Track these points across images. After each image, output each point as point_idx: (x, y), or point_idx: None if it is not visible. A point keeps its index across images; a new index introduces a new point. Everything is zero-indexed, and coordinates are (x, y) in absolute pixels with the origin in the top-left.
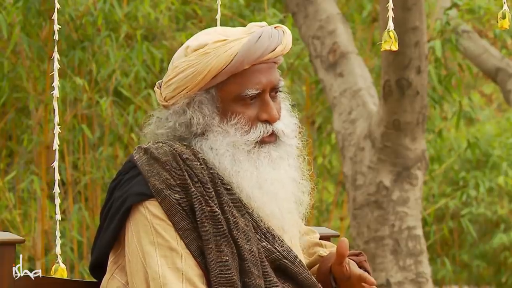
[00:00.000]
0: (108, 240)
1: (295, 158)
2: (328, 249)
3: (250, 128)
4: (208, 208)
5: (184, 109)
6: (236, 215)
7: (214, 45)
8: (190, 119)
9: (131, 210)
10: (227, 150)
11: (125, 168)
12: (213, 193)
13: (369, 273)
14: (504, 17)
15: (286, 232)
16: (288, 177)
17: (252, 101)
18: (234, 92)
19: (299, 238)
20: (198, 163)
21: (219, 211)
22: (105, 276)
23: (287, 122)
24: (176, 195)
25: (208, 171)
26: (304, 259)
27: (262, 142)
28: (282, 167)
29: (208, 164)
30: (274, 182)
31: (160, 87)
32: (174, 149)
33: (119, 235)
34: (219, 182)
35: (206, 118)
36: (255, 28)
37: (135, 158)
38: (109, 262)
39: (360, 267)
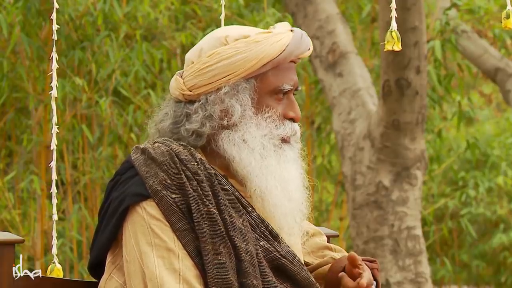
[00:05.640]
0: (106, 240)
1: (302, 163)
2: (338, 253)
3: (280, 123)
4: (205, 209)
5: (221, 98)
6: (233, 215)
7: (262, 35)
8: (227, 108)
9: (129, 210)
10: (260, 143)
11: (123, 168)
12: (210, 193)
13: (377, 283)
14: (508, 16)
15: (287, 231)
16: (301, 179)
17: (283, 97)
18: (272, 85)
19: (307, 240)
20: (195, 163)
21: (216, 212)
22: (103, 276)
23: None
24: (173, 196)
25: (206, 171)
26: (302, 257)
27: (283, 140)
28: (297, 168)
29: (205, 164)
30: (291, 182)
31: (181, 76)
32: (171, 149)
33: (116, 235)
34: (216, 182)
35: (243, 108)
36: (286, 27)
37: (132, 159)
38: (107, 262)
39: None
